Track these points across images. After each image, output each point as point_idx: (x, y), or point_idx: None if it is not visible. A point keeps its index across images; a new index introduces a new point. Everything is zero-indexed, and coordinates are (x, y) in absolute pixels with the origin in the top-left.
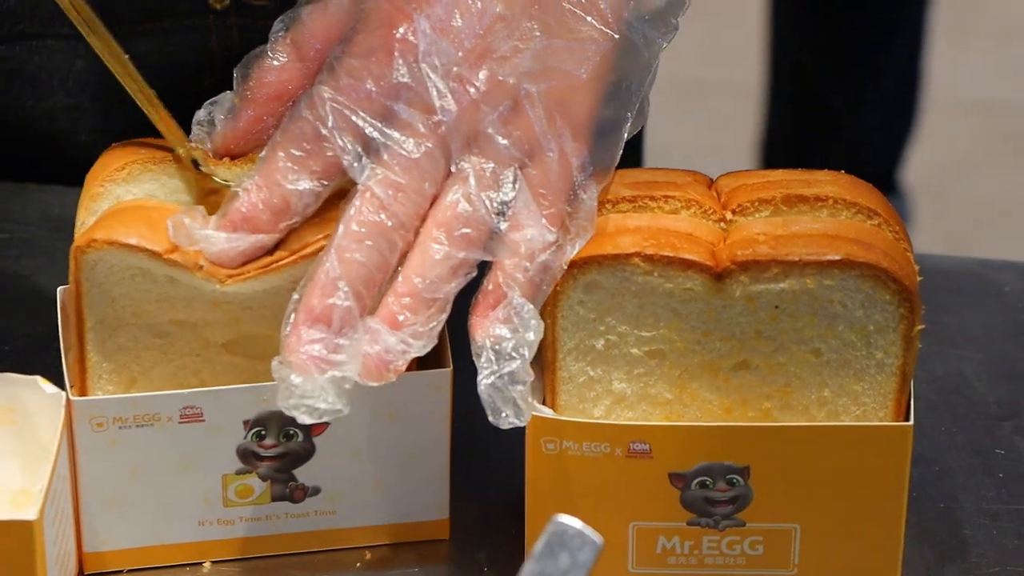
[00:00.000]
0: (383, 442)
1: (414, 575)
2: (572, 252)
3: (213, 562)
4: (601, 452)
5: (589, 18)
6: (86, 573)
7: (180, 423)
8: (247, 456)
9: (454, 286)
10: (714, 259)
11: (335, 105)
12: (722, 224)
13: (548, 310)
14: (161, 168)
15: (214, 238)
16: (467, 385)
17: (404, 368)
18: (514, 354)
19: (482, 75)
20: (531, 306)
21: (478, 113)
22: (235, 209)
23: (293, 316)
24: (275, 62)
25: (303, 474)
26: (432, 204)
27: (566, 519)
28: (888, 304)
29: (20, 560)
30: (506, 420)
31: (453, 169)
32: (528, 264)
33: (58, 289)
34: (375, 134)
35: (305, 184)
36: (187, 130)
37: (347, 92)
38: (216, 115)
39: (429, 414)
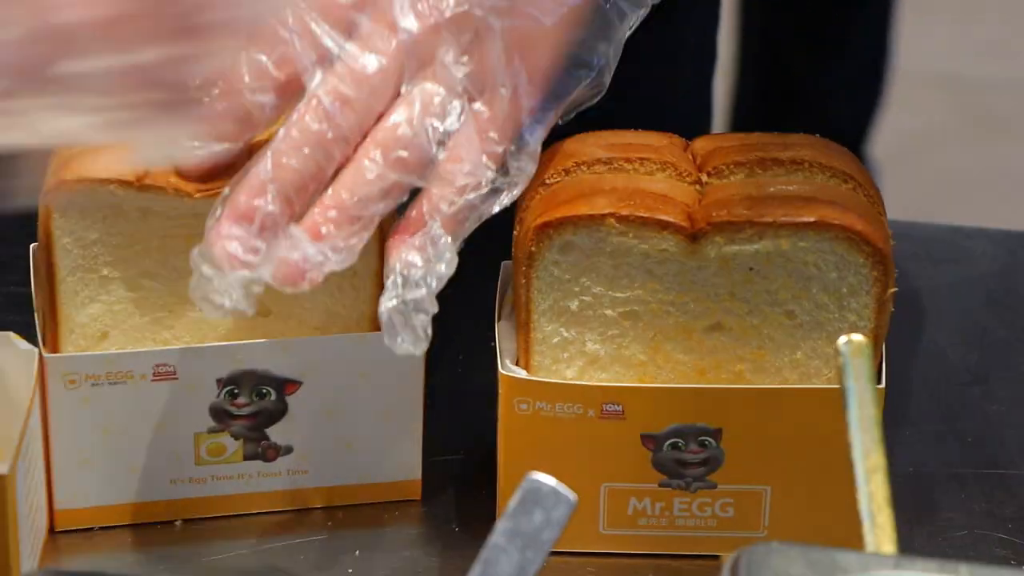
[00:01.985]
0: (356, 402)
1: (385, 534)
2: (509, 198)
3: (185, 520)
4: (574, 413)
5: None
6: (57, 530)
7: (153, 381)
8: (219, 415)
9: (382, 207)
10: (689, 220)
11: (297, 11)
12: (697, 186)
13: (523, 270)
14: None
15: (179, 146)
16: (440, 344)
17: (319, 280)
18: (422, 283)
19: (449, 1)
20: (448, 239)
21: (438, 38)
22: (206, 116)
23: (219, 210)
24: None
25: (275, 433)
26: (376, 122)
27: (540, 476)
28: (862, 267)
29: None
30: (402, 346)
31: (403, 91)
32: (456, 198)
33: (31, 246)
34: (331, 44)
35: (266, 96)
36: None
37: (310, 6)
38: None
39: (402, 375)
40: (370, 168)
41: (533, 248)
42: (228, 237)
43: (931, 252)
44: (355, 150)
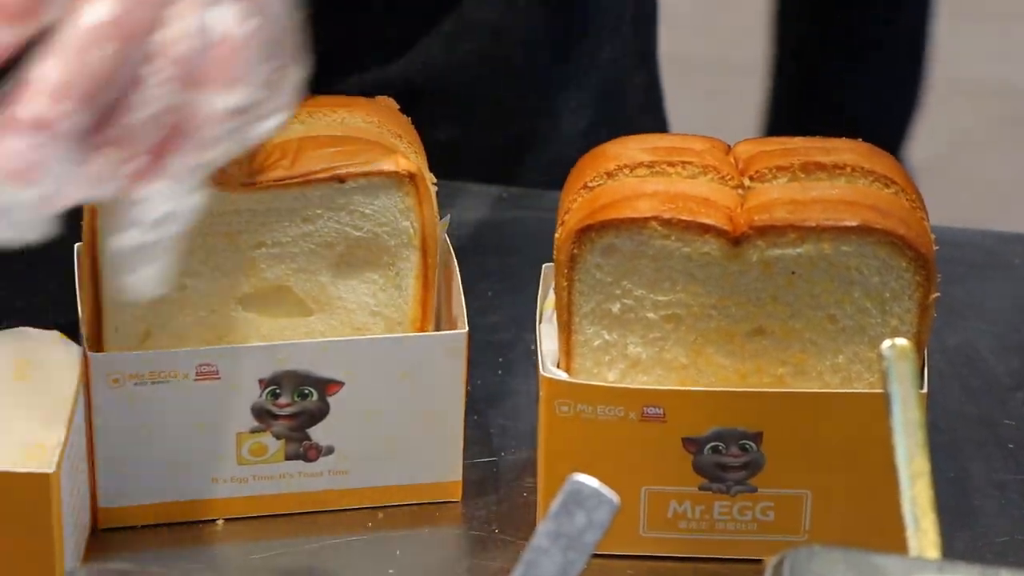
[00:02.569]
0: (397, 404)
1: (425, 536)
2: (278, 120)
3: (226, 520)
4: (615, 416)
5: None
6: (100, 528)
7: (196, 380)
8: (262, 414)
9: (152, 130)
10: (731, 224)
11: None
12: (740, 190)
13: (564, 273)
14: None
15: None
16: (482, 346)
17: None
18: (166, 221)
19: None
20: (189, 175)
21: None
22: None
23: None
24: None
25: (317, 433)
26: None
27: (583, 478)
28: (904, 271)
29: (36, 512)
30: (135, 287)
31: None
32: (215, 119)
33: (75, 246)
34: None
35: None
36: None
37: None
38: None
39: (444, 376)
40: (142, 83)
41: (575, 251)
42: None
43: (971, 258)
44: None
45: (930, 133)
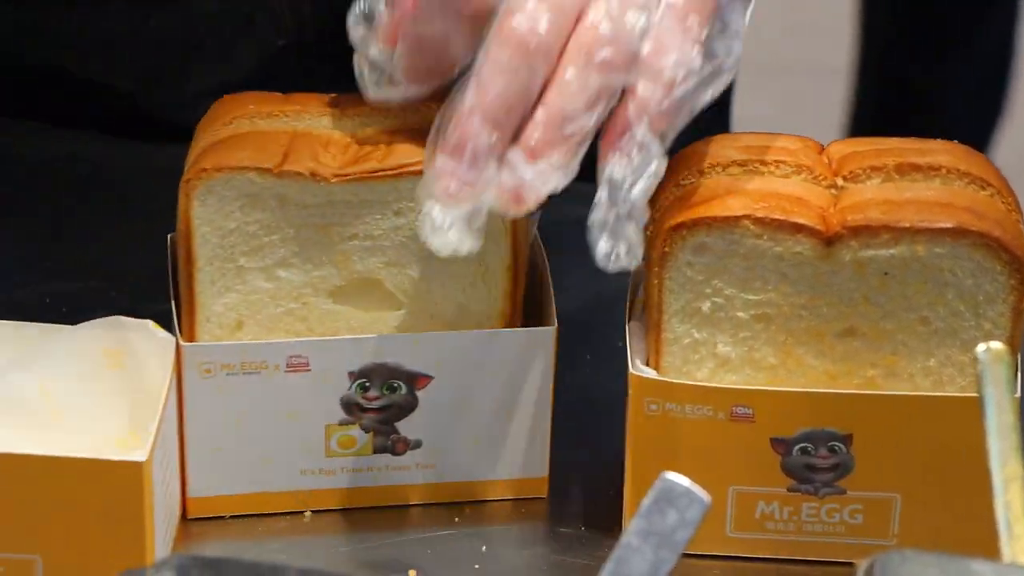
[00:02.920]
0: (485, 399)
1: (511, 531)
2: (720, 86)
3: (314, 511)
4: (704, 415)
5: None
6: (189, 517)
7: (286, 372)
8: (351, 407)
9: (595, 116)
10: (824, 224)
11: None
12: (833, 190)
13: (655, 271)
14: (268, 122)
15: (387, 96)
16: (570, 342)
17: (543, 199)
18: (630, 192)
19: None
20: (657, 143)
21: None
22: (397, 64)
23: (430, 144)
24: None
25: (405, 427)
26: (576, 23)
27: (674, 476)
28: (999, 274)
29: (128, 500)
30: (615, 260)
31: None
32: (663, 94)
33: (168, 236)
34: None
35: (456, 36)
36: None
37: None
38: (374, 5)
39: (533, 372)
40: (576, 78)
41: (666, 249)
42: (442, 173)
43: None
44: (559, 58)
45: (1018, 134)
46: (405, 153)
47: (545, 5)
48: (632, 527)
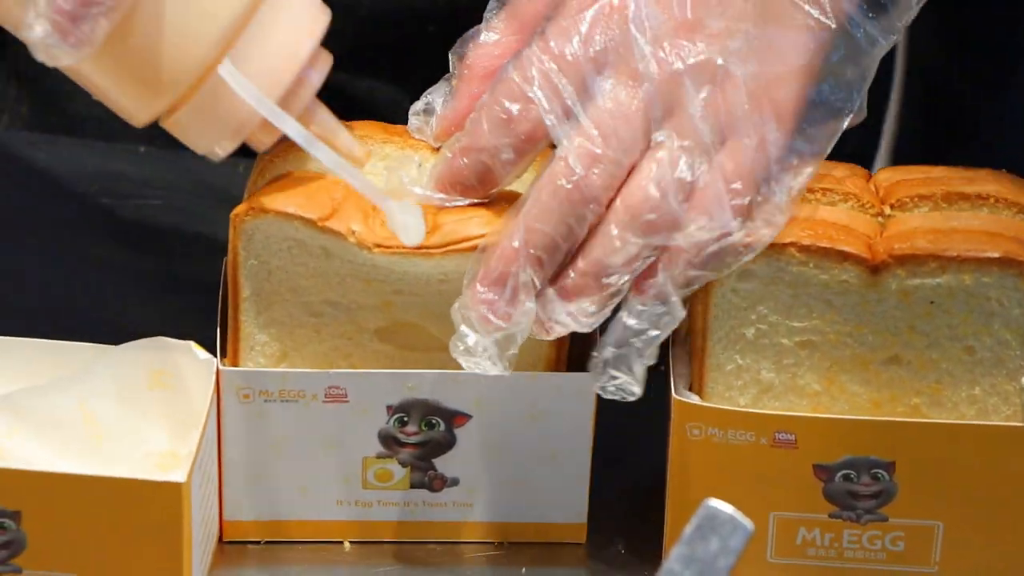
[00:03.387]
0: (524, 441)
1: (551, 555)
2: (755, 249)
3: (352, 542)
4: (746, 440)
5: (807, 7)
6: (224, 540)
7: (325, 402)
8: (388, 441)
9: (633, 271)
10: (871, 252)
11: (541, 67)
12: (880, 218)
13: (700, 297)
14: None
15: (427, 196)
16: None
17: (563, 334)
18: (644, 336)
19: (689, 48)
20: (678, 296)
21: (680, 88)
22: (445, 170)
23: (473, 271)
24: (491, 37)
25: (443, 464)
26: (627, 176)
27: (717, 503)
28: None
29: (167, 521)
30: (612, 385)
31: (652, 140)
32: (694, 253)
33: (224, 260)
34: (577, 100)
35: (509, 152)
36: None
37: (554, 54)
38: (434, 101)
39: (573, 417)
40: (620, 236)
41: None
42: (482, 301)
43: None
44: (607, 207)
45: None
46: (451, 231)
47: (600, 154)
48: (674, 553)
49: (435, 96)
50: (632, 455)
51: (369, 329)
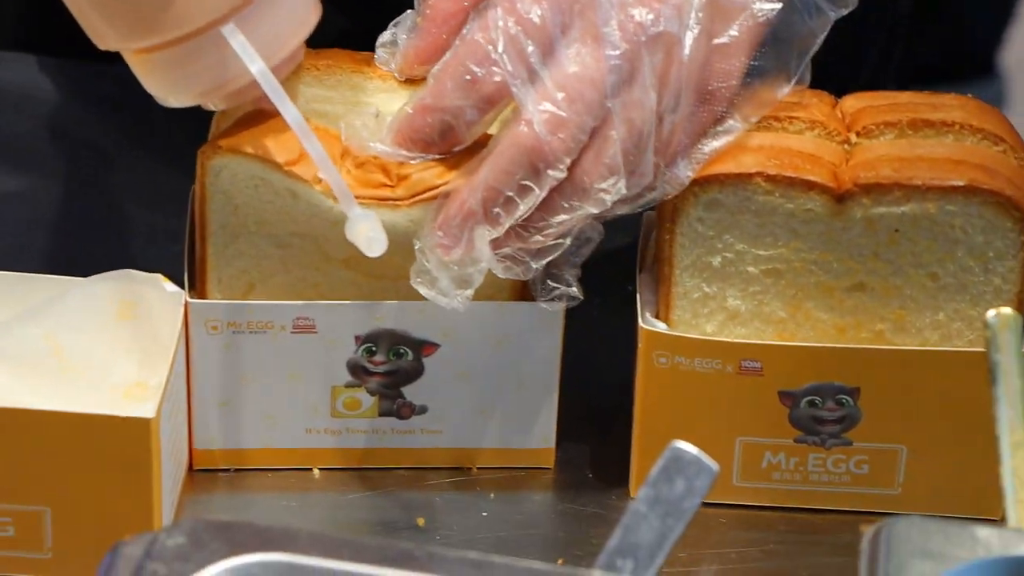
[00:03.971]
0: (492, 369)
1: (519, 480)
2: (634, 207)
3: (321, 469)
4: (712, 368)
5: None
6: (195, 468)
7: (293, 333)
8: (357, 370)
9: (571, 236)
10: (836, 180)
11: (506, 28)
12: (846, 145)
13: (667, 225)
14: (298, 76)
15: (388, 152)
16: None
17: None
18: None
19: (650, 17)
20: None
21: (639, 60)
22: (406, 127)
23: (438, 213)
24: None
25: (411, 392)
26: (590, 139)
27: (683, 445)
28: (1010, 231)
29: (137, 455)
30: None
31: (608, 106)
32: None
33: (191, 188)
34: (543, 63)
35: (472, 112)
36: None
37: (520, 15)
38: (399, 35)
39: (540, 346)
40: (571, 208)
41: (678, 203)
42: (439, 245)
43: None
44: (571, 169)
45: None
46: (418, 181)
47: (565, 118)
48: (640, 495)
49: (400, 29)
50: (599, 381)
51: (336, 258)
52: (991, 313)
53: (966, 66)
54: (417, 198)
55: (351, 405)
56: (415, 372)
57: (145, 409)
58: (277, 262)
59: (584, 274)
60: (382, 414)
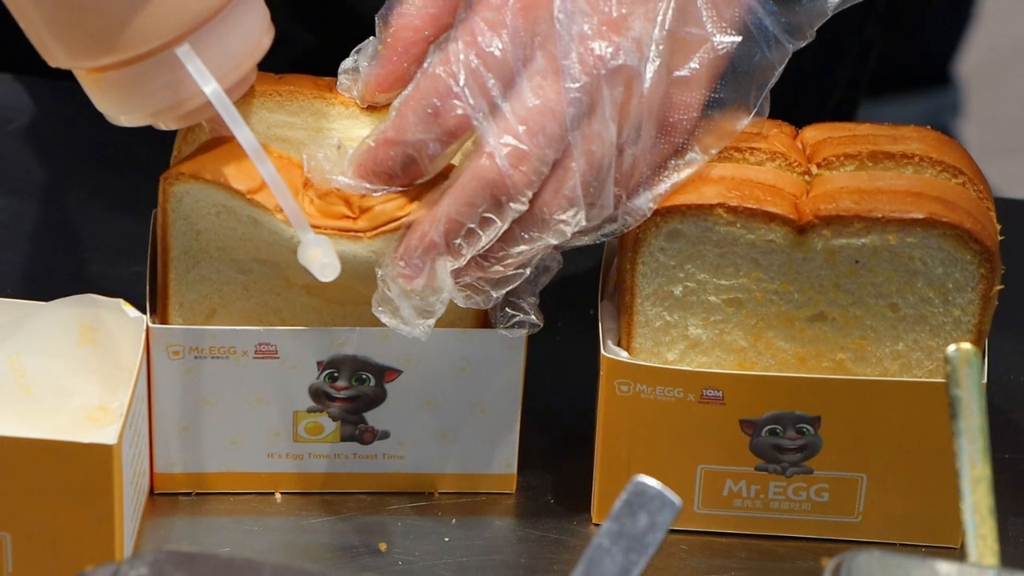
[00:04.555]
0: (454, 394)
1: (481, 505)
2: (595, 239)
3: (283, 493)
4: (674, 397)
5: (712, 15)
6: (156, 492)
7: (255, 358)
8: (319, 395)
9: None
10: (797, 212)
11: (468, 61)
12: (806, 177)
13: (628, 255)
14: (261, 101)
15: (350, 185)
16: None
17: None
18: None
19: (609, 50)
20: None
21: (599, 93)
22: (368, 160)
23: (399, 245)
24: (413, 6)
25: (373, 418)
26: (551, 172)
27: (646, 479)
28: (969, 264)
29: (98, 481)
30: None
31: (569, 139)
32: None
33: (153, 212)
34: (504, 96)
35: (434, 146)
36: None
37: (480, 49)
38: (360, 62)
39: (502, 370)
40: (531, 239)
41: (639, 234)
42: (401, 275)
43: None
44: (532, 200)
45: (982, 43)
46: (379, 213)
47: (527, 151)
48: (603, 529)
49: (362, 56)
50: (561, 407)
51: (297, 284)
52: (951, 348)
53: (923, 75)
54: (379, 230)
55: (313, 430)
56: (377, 398)
57: (107, 435)
58: (239, 287)
59: (547, 300)
60: (344, 439)
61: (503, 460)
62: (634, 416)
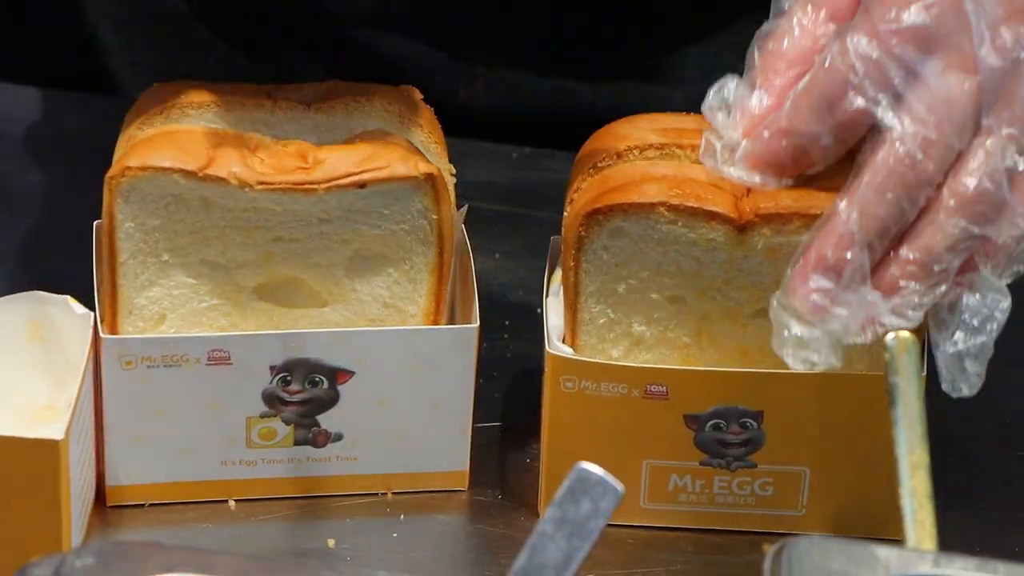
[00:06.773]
0: (407, 393)
1: (430, 501)
2: None
3: (237, 500)
4: (618, 393)
5: None
6: (109, 504)
7: (208, 365)
8: (272, 400)
9: (957, 261)
10: (737, 211)
11: (868, 53)
12: None
13: (572, 254)
14: (199, 112)
15: (741, 176)
16: (491, 310)
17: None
18: (982, 328)
19: (1020, 40)
20: (1003, 284)
21: (1016, 77)
22: (763, 151)
23: (802, 259)
24: (796, 30)
25: (326, 420)
26: (956, 161)
27: (589, 466)
28: None
29: (45, 477)
30: (959, 390)
31: (983, 124)
32: (1012, 244)
33: (94, 224)
34: (907, 85)
35: (827, 138)
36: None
37: (881, 39)
38: (729, 97)
39: (455, 368)
40: (952, 224)
41: (583, 232)
42: (816, 289)
43: None
44: (936, 190)
45: None
46: (332, 165)
47: (935, 139)
48: (547, 515)
49: (728, 93)
50: (512, 405)
51: (248, 287)
52: (890, 336)
53: None
54: (334, 183)
55: (266, 435)
56: (331, 400)
57: (54, 431)
58: (189, 292)
59: (493, 299)
60: (297, 443)
61: (455, 458)
62: (579, 412)
